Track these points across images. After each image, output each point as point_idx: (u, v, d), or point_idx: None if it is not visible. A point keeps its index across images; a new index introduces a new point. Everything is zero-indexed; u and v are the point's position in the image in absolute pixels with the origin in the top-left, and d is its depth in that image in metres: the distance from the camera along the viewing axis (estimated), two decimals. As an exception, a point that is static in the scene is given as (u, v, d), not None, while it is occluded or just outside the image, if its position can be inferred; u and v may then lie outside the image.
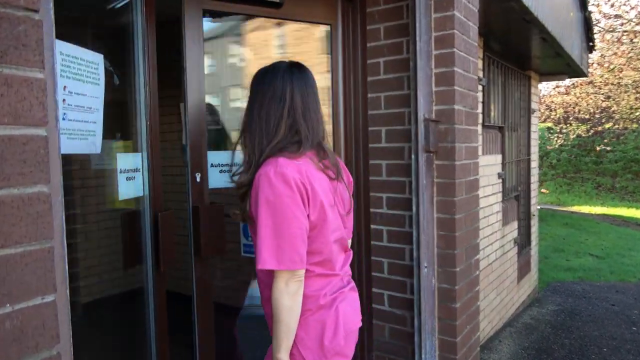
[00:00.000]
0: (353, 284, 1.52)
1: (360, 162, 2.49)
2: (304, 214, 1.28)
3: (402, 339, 2.41)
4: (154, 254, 1.66)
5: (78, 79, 1.34)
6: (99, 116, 1.41)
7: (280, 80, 1.37)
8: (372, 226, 2.50)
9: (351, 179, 1.59)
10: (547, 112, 15.71)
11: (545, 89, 15.71)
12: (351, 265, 2.52)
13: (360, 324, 1.47)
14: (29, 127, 0.70)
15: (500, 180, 4.00)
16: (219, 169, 2.16)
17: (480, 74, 3.46)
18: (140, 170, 1.61)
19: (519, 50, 4.13)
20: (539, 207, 5.60)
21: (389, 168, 2.42)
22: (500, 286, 4.04)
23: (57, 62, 0.78)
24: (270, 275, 1.31)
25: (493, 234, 3.83)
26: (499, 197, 3.98)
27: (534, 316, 4.58)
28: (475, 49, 2.38)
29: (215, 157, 2.14)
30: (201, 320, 2.01)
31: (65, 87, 1.29)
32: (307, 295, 1.33)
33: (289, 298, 1.27)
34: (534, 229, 5.25)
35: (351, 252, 1.55)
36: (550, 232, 8.74)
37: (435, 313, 2.26)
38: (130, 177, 1.60)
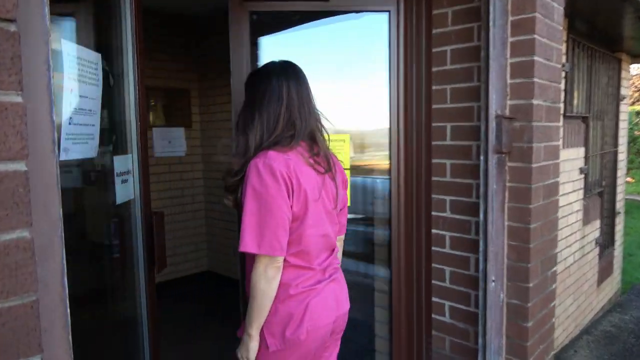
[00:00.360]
0: (337, 274, 1.58)
1: (421, 161, 2.28)
2: (287, 205, 1.36)
3: (464, 354, 2.21)
4: (146, 256, 1.60)
5: (82, 81, 1.25)
6: (97, 119, 1.34)
7: (276, 80, 1.47)
8: (434, 231, 2.29)
9: (346, 177, 1.65)
10: (636, 95, 14.24)
11: (634, 70, 14.23)
12: (408, 270, 2.33)
13: (337, 315, 1.52)
14: (2, 161, 0.59)
15: (582, 176, 3.60)
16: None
17: (563, 59, 3.08)
18: (132, 172, 1.56)
19: (610, 30, 3.64)
20: (624, 198, 5.05)
21: (454, 168, 2.19)
22: (577, 291, 3.68)
23: (50, 82, 0.67)
24: (253, 259, 1.40)
25: (572, 234, 3.46)
26: (580, 194, 3.58)
27: (615, 323, 4.14)
28: (559, 34, 2.07)
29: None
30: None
31: (71, 89, 1.21)
32: (282, 282, 1.42)
33: (265, 282, 1.38)
34: (619, 228, 4.74)
35: (337, 247, 1.62)
36: (636, 226, 7.95)
37: (503, 331, 2.04)
38: (125, 180, 1.54)
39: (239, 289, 2.10)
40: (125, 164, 1.54)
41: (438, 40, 2.18)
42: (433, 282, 2.32)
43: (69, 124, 1.21)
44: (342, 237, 1.70)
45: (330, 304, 1.50)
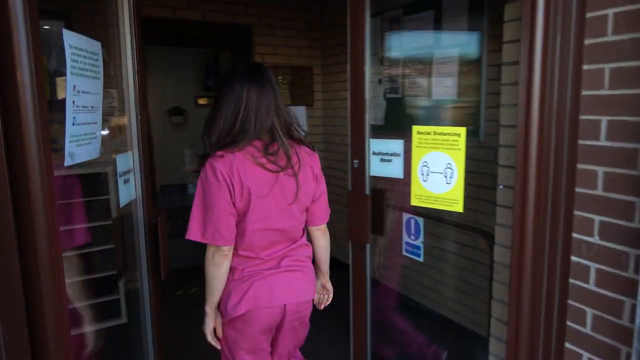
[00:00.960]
0: (298, 266, 1.71)
1: (560, 165, 1.71)
2: (228, 202, 1.52)
3: None
4: (151, 260, 1.41)
5: (84, 75, 1.07)
6: (99, 115, 1.15)
7: (239, 84, 1.58)
8: (573, 258, 1.73)
9: (317, 171, 1.75)
10: None
11: None
12: (534, 305, 1.86)
13: (290, 302, 1.66)
14: None
15: None
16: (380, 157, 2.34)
17: None
18: (133, 170, 1.40)
19: None
20: None
21: (609, 179, 1.60)
22: None
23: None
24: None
25: None
26: None
27: None
28: None
29: (376, 145, 2.35)
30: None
31: (74, 86, 1.02)
32: (231, 266, 1.63)
33: (213, 267, 1.59)
34: None
35: (301, 240, 1.75)
36: None
37: (668, 414, 1.45)
38: (127, 179, 1.41)
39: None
40: (126, 162, 1.40)
41: (595, 1, 1.57)
42: (568, 323, 1.77)
43: (73, 124, 1.05)
44: (323, 226, 1.82)
45: (278, 289, 1.64)
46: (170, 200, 8.01)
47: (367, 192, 2.39)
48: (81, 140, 1.12)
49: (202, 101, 9.16)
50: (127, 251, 1.56)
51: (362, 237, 2.43)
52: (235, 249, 1.61)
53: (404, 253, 2.64)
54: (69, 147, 1.06)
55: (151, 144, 4.65)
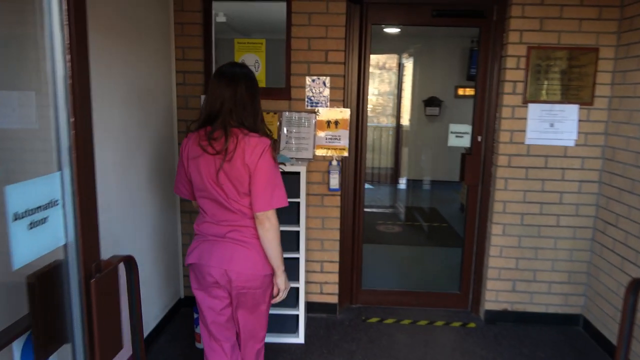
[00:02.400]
0: (242, 241, 1.96)
1: None
2: (182, 167, 2.04)
3: None
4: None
5: None
6: None
7: (213, 78, 1.96)
8: None
9: (249, 160, 1.87)
10: None
11: None
12: None
13: (221, 268, 1.95)
14: None
15: None
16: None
17: None
18: (60, 202, 0.66)
19: None
20: None
21: None
22: None
23: None
24: None
25: None
26: None
27: None
28: None
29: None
30: None
31: None
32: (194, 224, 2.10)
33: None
34: None
35: (250, 221, 1.97)
36: None
37: None
38: (38, 221, 0.69)
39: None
40: (42, 193, 0.73)
41: None
42: None
43: None
44: (259, 214, 1.91)
45: (219, 254, 1.96)
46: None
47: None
48: None
49: (462, 91, 8.22)
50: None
51: None
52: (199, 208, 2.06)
53: None
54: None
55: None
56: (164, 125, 3.16)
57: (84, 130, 0.93)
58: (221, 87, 1.89)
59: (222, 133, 1.86)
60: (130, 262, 1.72)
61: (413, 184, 8.36)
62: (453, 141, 3.49)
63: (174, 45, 3.28)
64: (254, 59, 3.31)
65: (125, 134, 2.61)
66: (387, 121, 8.91)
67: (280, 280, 2.02)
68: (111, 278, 1.01)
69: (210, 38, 3.32)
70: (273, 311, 3.04)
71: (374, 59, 8.50)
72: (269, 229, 1.92)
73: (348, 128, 3.30)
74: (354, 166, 3.49)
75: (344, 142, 3.30)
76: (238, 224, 1.95)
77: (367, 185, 8.70)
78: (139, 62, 2.77)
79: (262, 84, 3.34)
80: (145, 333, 2.93)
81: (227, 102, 1.88)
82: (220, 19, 3.58)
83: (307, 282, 3.48)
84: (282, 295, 2.07)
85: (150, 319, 3.03)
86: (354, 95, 3.38)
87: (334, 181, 3.32)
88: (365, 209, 3.63)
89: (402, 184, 8.37)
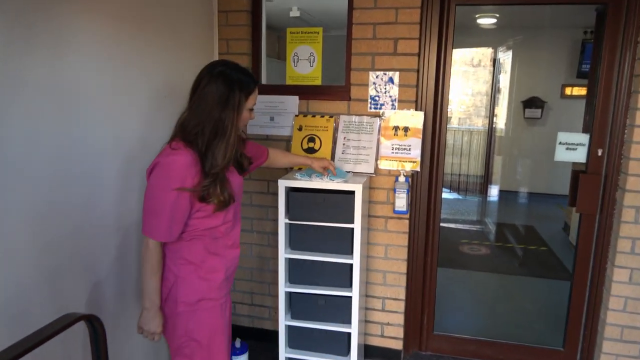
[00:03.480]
0: None
1: None
2: None
3: None
4: None
5: None
6: None
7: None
8: None
9: (146, 175, 1.71)
10: None
11: None
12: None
13: None
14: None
15: None
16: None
17: None
18: None
19: None
20: None
21: None
22: None
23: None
24: None
25: None
26: None
27: None
28: None
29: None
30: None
31: None
32: None
33: None
34: None
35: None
36: None
37: None
38: None
39: None
40: None
41: None
42: None
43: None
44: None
45: None
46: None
47: None
48: None
49: (569, 91, 7.06)
50: None
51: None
52: None
53: None
54: None
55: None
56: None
57: None
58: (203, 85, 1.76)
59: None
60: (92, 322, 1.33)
61: (506, 195, 7.35)
62: (562, 154, 2.67)
63: (217, 37, 2.84)
64: (308, 51, 2.77)
65: (143, 140, 2.20)
66: (479, 123, 7.94)
67: (141, 317, 1.79)
68: None
69: (260, 28, 2.85)
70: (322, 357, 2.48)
71: (463, 53, 7.59)
72: (143, 256, 1.74)
73: (421, 136, 2.64)
74: (427, 184, 2.81)
75: (415, 153, 2.64)
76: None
77: (454, 195, 7.87)
78: (171, 56, 2.35)
79: (317, 81, 2.79)
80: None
81: (205, 105, 1.73)
82: (294, 13, 3.11)
83: (365, 322, 2.88)
84: (147, 336, 1.80)
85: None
86: (430, 95, 2.71)
87: (401, 202, 2.67)
88: (447, 224, 2.95)
89: (494, 195, 7.38)
